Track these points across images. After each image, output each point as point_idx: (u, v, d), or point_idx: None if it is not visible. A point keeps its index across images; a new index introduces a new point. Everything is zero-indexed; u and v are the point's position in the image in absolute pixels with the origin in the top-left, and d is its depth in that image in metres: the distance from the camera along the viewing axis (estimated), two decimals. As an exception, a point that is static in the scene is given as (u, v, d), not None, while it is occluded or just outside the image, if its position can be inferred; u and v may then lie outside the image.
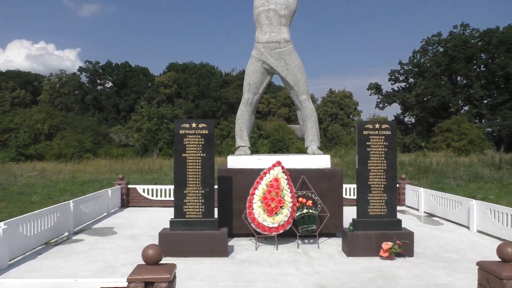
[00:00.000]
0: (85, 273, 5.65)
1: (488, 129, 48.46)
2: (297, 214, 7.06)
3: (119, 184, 11.52)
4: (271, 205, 6.87)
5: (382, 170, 6.69)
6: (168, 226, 6.79)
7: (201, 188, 6.71)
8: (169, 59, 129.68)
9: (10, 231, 6.09)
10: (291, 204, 6.96)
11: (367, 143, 6.71)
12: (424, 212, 10.74)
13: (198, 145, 6.74)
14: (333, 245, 7.26)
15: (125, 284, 3.42)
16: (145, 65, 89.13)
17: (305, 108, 8.38)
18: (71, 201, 8.40)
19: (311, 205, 7.20)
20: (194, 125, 6.78)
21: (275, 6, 8.15)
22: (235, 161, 7.95)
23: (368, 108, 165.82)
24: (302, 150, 20.49)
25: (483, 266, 3.91)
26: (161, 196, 11.68)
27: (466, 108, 53.57)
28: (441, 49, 55.63)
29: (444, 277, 5.51)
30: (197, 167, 6.72)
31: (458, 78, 55.06)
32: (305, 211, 7.07)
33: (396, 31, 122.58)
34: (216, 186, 7.69)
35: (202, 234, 6.54)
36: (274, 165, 7.32)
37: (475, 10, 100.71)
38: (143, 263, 3.59)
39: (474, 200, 8.73)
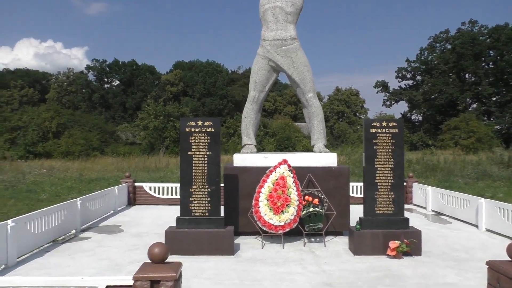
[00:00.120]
0: (92, 270, 5.67)
1: (497, 126, 47.99)
2: (303, 213, 7.03)
3: (126, 182, 11.56)
4: (277, 204, 6.84)
5: (389, 168, 6.64)
6: (174, 224, 6.79)
7: (207, 186, 6.70)
8: (175, 57, 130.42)
9: (18, 228, 6.13)
10: (298, 202, 6.93)
11: (374, 141, 6.65)
12: (432, 210, 10.65)
13: (204, 143, 6.73)
14: (340, 243, 7.22)
15: (131, 282, 3.41)
16: (151, 63, 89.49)
17: (312, 106, 8.33)
18: (78, 199, 8.45)
19: (317, 203, 7.17)
20: (200, 123, 6.77)
21: (281, 3, 8.10)
22: (241, 159, 7.93)
23: (375, 106, 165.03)
24: (309, 148, 20.44)
25: (493, 266, 3.85)
26: (167, 194, 11.70)
27: (474, 105, 53.06)
28: (449, 46, 55.11)
29: (452, 277, 5.45)
30: (203, 165, 6.71)
31: (466, 75, 54.53)
32: (311, 209, 7.04)
33: (403, 29, 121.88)
34: (222, 184, 7.68)
35: (208, 232, 6.54)
36: (280, 163, 7.29)
37: (483, 7, 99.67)
38: (149, 261, 3.59)
39: (482, 198, 8.64)
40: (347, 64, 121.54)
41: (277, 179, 7.09)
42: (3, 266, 5.79)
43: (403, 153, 6.76)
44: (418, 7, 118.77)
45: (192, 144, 6.74)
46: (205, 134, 6.75)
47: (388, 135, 6.65)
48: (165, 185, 11.93)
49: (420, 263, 6.06)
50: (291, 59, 8.14)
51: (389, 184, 6.64)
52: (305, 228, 7.10)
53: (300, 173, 7.41)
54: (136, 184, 11.81)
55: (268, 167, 7.39)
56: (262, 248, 6.91)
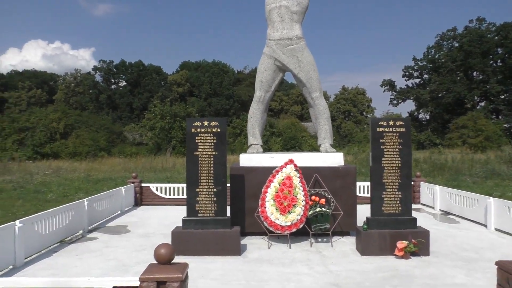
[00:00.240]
0: (99, 271, 5.69)
1: (505, 125, 47.47)
2: (310, 213, 6.99)
3: (133, 183, 11.59)
4: (284, 204, 6.82)
5: (396, 168, 6.59)
6: (181, 224, 6.79)
7: (213, 186, 6.69)
8: (181, 57, 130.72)
9: (26, 229, 6.17)
10: (304, 202, 6.90)
11: (381, 140, 6.60)
12: (440, 210, 10.56)
13: (210, 144, 6.73)
14: (347, 243, 7.18)
15: (138, 283, 3.41)
16: (158, 64, 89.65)
17: (318, 105, 8.30)
18: (85, 199, 8.49)
19: (324, 203, 7.13)
20: (206, 123, 6.76)
21: (286, 2, 8.07)
22: (247, 159, 7.92)
23: (382, 105, 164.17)
24: (315, 148, 20.39)
25: (502, 266, 3.80)
26: (174, 195, 11.72)
27: (482, 104, 52.53)
28: (457, 44, 54.63)
29: (461, 277, 5.39)
30: (209, 165, 6.71)
31: (474, 73, 54.03)
32: (318, 209, 7.01)
33: (410, 27, 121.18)
34: (228, 185, 7.67)
35: (214, 232, 6.53)
36: (286, 163, 7.26)
37: (491, 4, 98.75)
38: (156, 262, 3.59)
39: (491, 197, 8.55)
40: (353, 63, 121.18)
41: (283, 179, 7.07)
42: (11, 266, 5.83)
43: (410, 152, 6.71)
44: (425, 6, 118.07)
45: (198, 144, 6.74)
46: (211, 134, 6.74)
47: (395, 134, 6.60)
48: (171, 185, 11.95)
49: (428, 264, 6.00)
50: (297, 59, 8.11)
51: (397, 183, 6.59)
52: (312, 228, 7.07)
53: (306, 173, 7.38)
54: (143, 184, 11.85)
55: (275, 167, 7.37)
56: (269, 248, 6.89)
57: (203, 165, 6.72)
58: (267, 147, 31.49)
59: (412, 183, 11.35)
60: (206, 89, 58.20)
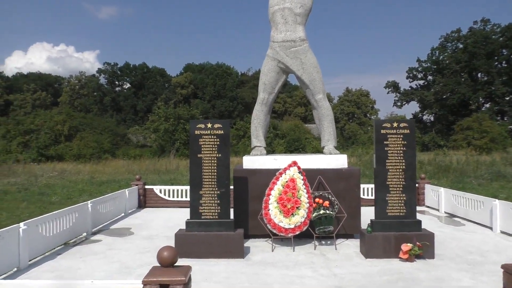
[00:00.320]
0: (102, 273, 5.69)
1: (511, 126, 47.18)
2: (313, 215, 6.97)
3: (136, 185, 11.61)
4: (287, 206, 6.80)
5: (400, 170, 6.55)
6: (184, 227, 6.78)
7: (216, 188, 6.68)
8: (185, 60, 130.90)
9: (30, 231, 6.18)
10: (308, 204, 6.87)
11: (385, 142, 6.57)
12: (445, 212, 10.50)
13: (213, 146, 6.72)
14: (351, 246, 7.14)
15: (141, 286, 3.41)
16: (162, 66, 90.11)
17: (321, 107, 8.28)
18: (89, 201, 8.50)
19: (328, 205, 7.10)
20: (209, 125, 6.76)
21: (290, 4, 8.07)
22: (250, 161, 7.91)
23: (386, 107, 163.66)
24: (319, 150, 20.34)
25: (508, 269, 3.76)
26: (177, 197, 11.72)
27: (487, 105, 52.28)
28: (461, 46, 54.42)
29: (466, 280, 5.35)
30: (212, 167, 6.70)
31: (479, 74, 53.78)
32: (322, 212, 6.97)
33: (414, 29, 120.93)
34: (232, 187, 7.66)
35: (218, 235, 6.51)
36: (290, 165, 7.24)
37: (496, 5, 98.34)
38: (159, 265, 3.58)
39: (497, 199, 8.49)
40: (357, 65, 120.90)
41: (287, 181, 7.05)
42: (15, 269, 5.84)
43: (414, 154, 6.67)
44: (429, 7, 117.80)
45: (202, 146, 6.73)
46: (215, 137, 6.73)
47: (399, 136, 6.57)
48: (175, 187, 11.95)
49: (433, 266, 5.96)
50: (301, 61, 8.10)
51: (401, 185, 6.55)
52: (316, 231, 7.04)
53: (310, 175, 7.36)
54: (147, 186, 11.86)
55: (278, 169, 7.35)
56: (272, 251, 6.86)
57: (207, 167, 6.71)
58: (270, 149, 31.46)
59: (417, 185, 11.29)
60: (210, 91, 58.32)
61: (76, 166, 25.74)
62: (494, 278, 5.31)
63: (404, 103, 59.22)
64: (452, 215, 10.11)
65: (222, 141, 6.73)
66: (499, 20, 63.56)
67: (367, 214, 7.95)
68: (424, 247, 6.20)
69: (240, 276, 5.58)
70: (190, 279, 3.64)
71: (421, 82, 59.62)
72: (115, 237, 8.02)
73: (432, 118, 58.06)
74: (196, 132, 6.76)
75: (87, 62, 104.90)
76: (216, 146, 6.72)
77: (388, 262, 6.18)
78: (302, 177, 7.11)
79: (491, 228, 8.39)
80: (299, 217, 6.76)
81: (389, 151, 6.56)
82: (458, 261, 6.24)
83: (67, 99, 60.97)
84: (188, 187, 10.94)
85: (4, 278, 5.45)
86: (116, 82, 65.09)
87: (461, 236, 7.91)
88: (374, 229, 6.52)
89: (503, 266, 3.86)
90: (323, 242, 7.35)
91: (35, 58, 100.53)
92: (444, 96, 53.51)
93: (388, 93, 61.40)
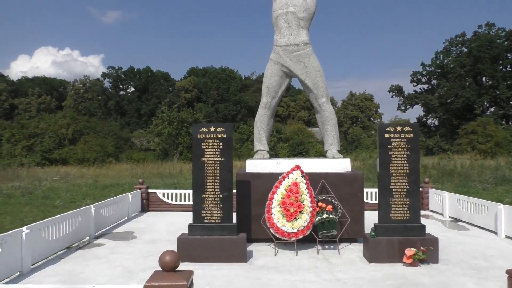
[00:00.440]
0: (105, 278, 5.67)
1: (516, 130, 46.94)
2: (316, 219, 6.93)
3: (140, 189, 11.61)
4: (290, 210, 6.77)
5: (404, 174, 6.51)
6: (187, 231, 6.76)
7: (219, 192, 6.67)
8: (189, 64, 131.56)
9: (33, 235, 6.19)
10: (311, 209, 6.84)
11: (388, 146, 6.54)
12: (449, 217, 10.42)
13: (216, 149, 6.71)
14: (354, 251, 7.10)
15: (142, 291, 3.39)
16: (166, 70, 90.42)
17: (325, 111, 8.26)
18: (92, 205, 8.50)
19: (331, 210, 7.07)
20: (212, 129, 6.75)
21: (293, 8, 8.08)
22: (253, 165, 7.89)
23: (390, 111, 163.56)
24: (322, 154, 20.30)
25: (513, 276, 3.72)
26: (180, 201, 11.71)
27: (492, 109, 52.06)
28: (465, 50, 54.31)
29: (471, 286, 5.29)
30: (215, 171, 6.69)
31: (483, 79, 53.60)
32: (325, 216, 6.94)
33: (418, 33, 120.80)
34: (234, 191, 7.64)
35: (220, 239, 6.49)
36: (293, 169, 7.22)
37: (500, 10, 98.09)
38: (160, 269, 3.56)
39: (501, 204, 8.41)
40: (360, 69, 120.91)
41: (290, 185, 7.02)
42: (18, 273, 5.84)
43: (418, 158, 6.63)
44: (433, 11, 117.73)
45: (205, 150, 6.73)
46: (218, 140, 6.73)
47: (403, 140, 6.54)
48: (178, 191, 11.95)
49: (438, 271, 5.91)
50: (304, 64, 8.10)
51: (405, 190, 6.51)
52: (319, 235, 7.00)
53: (313, 179, 7.33)
54: (150, 190, 11.86)
55: (281, 173, 7.33)
56: (275, 255, 6.83)
57: (209, 171, 6.70)
58: (273, 153, 31.45)
59: (421, 189, 11.22)
60: (214, 95, 58.46)
61: (80, 170, 25.81)
62: (499, 283, 5.25)
63: (408, 107, 59.15)
64: (456, 220, 10.04)
65: (225, 145, 6.73)
66: (503, 24, 64.04)
67: (371, 219, 7.91)
68: (428, 251, 6.16)
69: (243, 280, 5.55)
70: (192, 283, 3.62)
71: (425, 86, 59.55)
72: (118, 241, 8.01)
73: (436, 122, 57.91)
74: (199, 136, 6.76)
75: (91, 66, 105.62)
76: (219, 150, 6.71)
77: (391, 266, 6.13)
78: (305, 181, 7.09)
79: (496, 233, 8.32)
80: (302, 221, 6.73)
81: (392, 155, 6.53)
82: (463, 266, 6.19)
83: (71, 103, 61.31)
84: (191, 191, 10.93)
85: (7, 282, 5.46)
86: (120, 86, 65.43)
87: (465, 241, 7.85)
88: (378, 233, 6.47)
89: (508, 271, 3.82)
90: (326, 247, 7.31)
91: (40, 62, 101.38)
92: (449, 100, 53.37)
93: (392, 97, 61.46)
